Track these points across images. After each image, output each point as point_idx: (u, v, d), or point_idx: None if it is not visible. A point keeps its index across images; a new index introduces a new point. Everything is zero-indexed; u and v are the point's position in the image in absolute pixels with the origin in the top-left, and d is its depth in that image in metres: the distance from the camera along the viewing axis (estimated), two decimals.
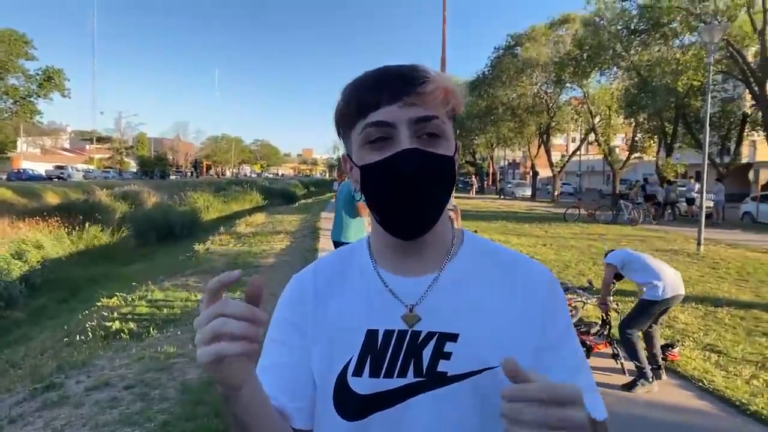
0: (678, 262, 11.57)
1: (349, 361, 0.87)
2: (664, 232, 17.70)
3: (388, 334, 0.86)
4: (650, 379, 4.48)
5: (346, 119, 0.88)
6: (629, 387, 4.49)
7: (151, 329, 6.81)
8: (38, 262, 16.10)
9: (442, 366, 0.84)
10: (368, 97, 0.84)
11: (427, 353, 0.85)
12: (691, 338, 6.07)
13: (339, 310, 0.91)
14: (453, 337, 0.85)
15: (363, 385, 0.86)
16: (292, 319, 0.94)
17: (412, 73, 0.83)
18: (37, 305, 13.27)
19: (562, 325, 0.91)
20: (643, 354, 4.58)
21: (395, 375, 0.85)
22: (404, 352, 0.85)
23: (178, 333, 6.56)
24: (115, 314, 7.80)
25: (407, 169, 0.81)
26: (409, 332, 0.86)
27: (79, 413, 4.39)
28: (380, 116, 0.82)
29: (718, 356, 5.48)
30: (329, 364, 0.88)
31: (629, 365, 4.72)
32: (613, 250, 5.17)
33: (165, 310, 7.94)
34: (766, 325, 6.63)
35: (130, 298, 8.77)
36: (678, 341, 5.84)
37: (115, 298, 8.88)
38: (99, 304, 8.75)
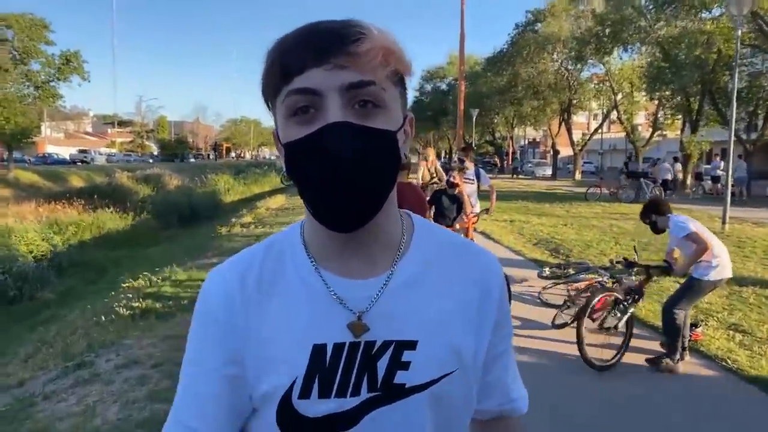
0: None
1: (294, 382, 0.73)
2: (689, 211, 17.43)
3: (338, 347, 0.74)
4: (677, 360, 4.46)
5: (270, 86, 0.73)
6: (654, 362, 4.47)
7: (177, 310, 6.95)
8: (65, 244, 16.44)
9: (400, 377, 0.74)
10: (291, 58, 0.69)
11: (382, 365, 0.74)
12: (715, 318, 6.02)
13: (276, 321, 0.75)
14: (411, 345, 0.75)
15: (313, 408, 0.73)
16: (214, 335, 0.76)
17: (344, 29, 0.69)
18: (66, 287, 13.60)
19: (508, 318, 0.90)
20: (682, 338, 4.54)
21: (348, 394, 0.73)
22: (357, 366, 0.74)
23: None
24: (142, 295, 7.97)
25: (335, 147, 0.67)
26: (361, 343, 0.74)
27: (110, 390, 4.52)
28: (304, 82, 0.68)
29: (743, 336, 5.43)
30: (270, 387, 0.73)
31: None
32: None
33: (189, 290, 8.08)
34: None
35: (155, 280, 8.93)
36: (702, 321, 5.80)
37: (141, 279, 9.05)
38: (125, 285, 8.93)
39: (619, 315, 4.55)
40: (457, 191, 6.12)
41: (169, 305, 7.30)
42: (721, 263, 4.53)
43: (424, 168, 8.44)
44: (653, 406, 3.92)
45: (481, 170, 8.08)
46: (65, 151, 52.30)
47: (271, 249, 0.81)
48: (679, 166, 22.35)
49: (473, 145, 39.68)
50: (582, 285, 5.90)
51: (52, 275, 13.88)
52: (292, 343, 0.74)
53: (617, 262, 5.32)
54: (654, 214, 4.86)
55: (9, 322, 10.66)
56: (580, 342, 4.35)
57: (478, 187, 7.67)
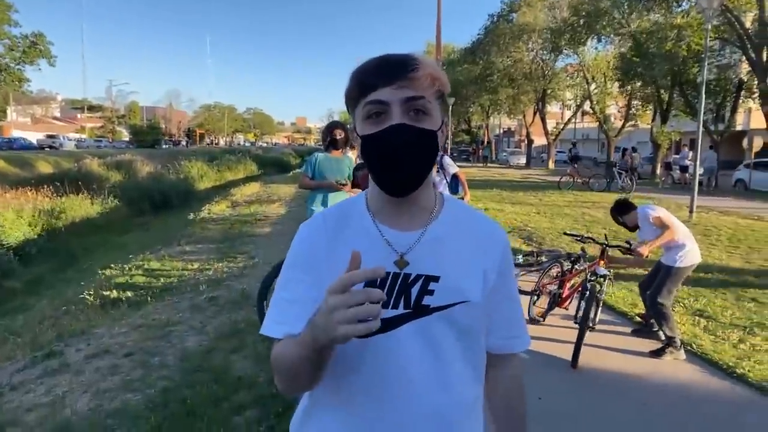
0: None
1: None
2: (658, 200, 17.79)
3: (386, 275, 1.05)
4: (679, 346, 4.57)
5: (352, 98, 1.07)
6: (657, 353, 4.57)
7: (149, 298, 6.87)
8: (32, 231, 16.06)
9: (426, 300, 1.06)
10: (369, 79, 1.03)
11: (414, 290, 1.06)
12: (681, 304, 6.18)
13: (344, 254, 0.97)
14: (435, 279, 1.07)
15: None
16: (310, 260, 1.11)
17: (406, 60, 1.03)
18: (34, 275, 13.30)
19: (511, 271, 1.21)
20: (675, 323, 4.65)
21: (390, 307, 1.05)
22: (397, 289, 1.06)
23: (176, 301, 6.62)
24: (113, 283, 7.85)
25: (397, 140, 1.01)
26: (402, 274, 1.07)
27: (80, 380, 4.46)
28: (378, 96, 1.02)
29: (707, 321, 5.60)
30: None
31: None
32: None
33: (162, 279, 7.99)
34: (755, 291, 6.74)
35: (127, 268, 8.81)
36: None
37: (112, 267, 8.91)
38: (99, 273, 8.79)
39: (590, 304, 4.54)
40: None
41: (141, 293, 7.21)
42: (691, 249, 4.66)
43: None
44: (622, 388, 4.02)
45: (446, 158, 7.84)
46: (32, 136, 50.91)
47: (344, 207, 1.18)
48: (690, 154, 22.83)
49: (449, 133, 39.77)
50: (551, 273, 5.92)
51: (16, 264, 13.55)
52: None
53: (570, 235, 5.41)
54: (620, 216, 4.99)
55: None
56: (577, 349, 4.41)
57: (446, 175, 7.62)
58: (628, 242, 4.83)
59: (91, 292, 7.43)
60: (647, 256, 4.82)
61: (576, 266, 5.43)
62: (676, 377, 4.24)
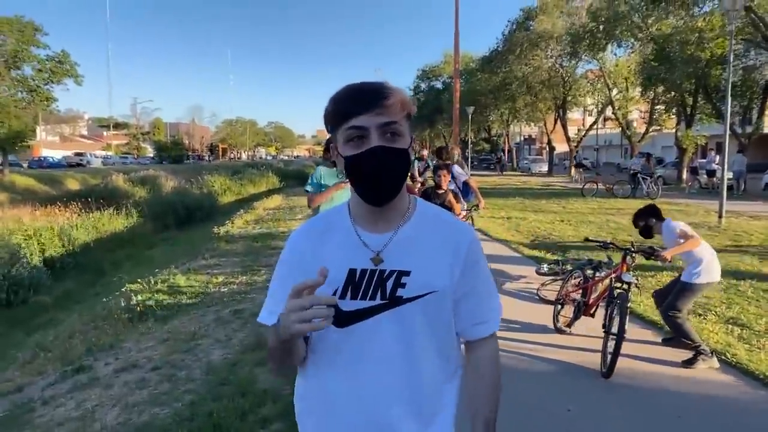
0: (700, 235, 11.43)
1: (337, 289, 1.25)
2: (685, 205, 17.47)
3: (364, 271, 1.25)
4: (710, 354, 4.47)
5: (335, 121, 1.23)
6: (690, 363, 4.46)
7: (175, 311, 6.94)
8: (62, 246, 16.38)
9: (400, 292, 1.25)
10: (349, 107, 1.20)
11: (389, 284, 1.25)
12: (713, 312, 6.03)
13: (329, 254, 1.27)
14: (407, 273, 1.25)
15: (347, 305, 1.25)
16: (299, 260, 1.31)
17: (380, 89, 1.21)
18: (63, 289, 13.55)
19: (478, 265, 1.35)
20: (694, 332, 4.56)
21: (368, 298, 1.25)
22: (374, 283, 1.25)
23: (201, 315, 6.67)
24: (140, 298, 7.95)
25: (377, 160, 1.19)
26: (378, 270, 1.25)
27: (109, 394, 4.51)
28: (357, 122, 1.19)
29: (741, 329, 5.45)
30: (324, 291, 1.15)
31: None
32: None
33: (187, 292, 8.07)
34: None
35: (153, 282, 8.92)
36: (700, 315, 5.83)
37: (139, 282, 9.03)
38: (124, 289, 8.91)
39: (617, 311, 4.44)
40: (444, 194, 6.13)
41: (167, 307, 7.29)
42: (710, 265, 4.57)
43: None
44: (654, 399, 3.92)
45: (456, 167, 8.20)
46: (61, 155, 52.11)
47: (329, 214, 1.38)
48: (718, 158, 22.41)
49: (469, 142, 39.65)
50: (574, 282, 5.80)
51: (46, 278, 13.80)
52: (337, 267, 1.24)
53: (592, 241, 5.29)
54: (653, 218, 4.87)
55: (6, 327, 10.62)
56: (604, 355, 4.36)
57: (458, 183, 7.96)
58: (651, 247, 4.72)
59: (119, 307, 7.54)
60: (671, 261, 4.73)
61: (598, 273, 5.33)
62: (711, 388, 4.13)
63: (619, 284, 4.60)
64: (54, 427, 4.01)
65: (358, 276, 1.25)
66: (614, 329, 4.34)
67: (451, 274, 1.28)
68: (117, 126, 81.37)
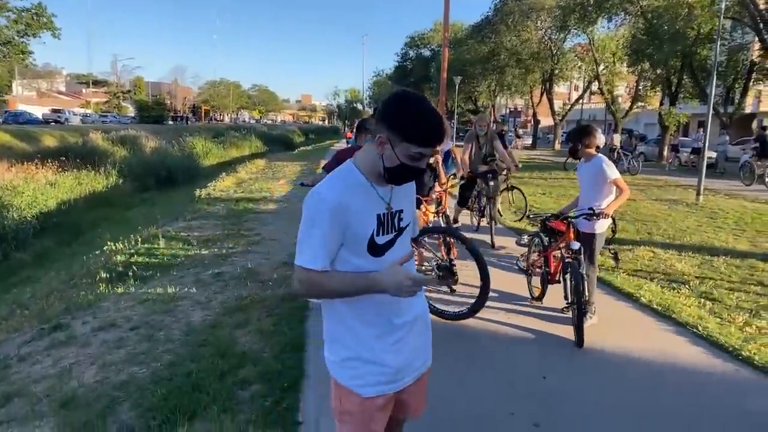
0: (677, 211, 11.62)
1: (374, 230, 1.77)
2: (665, 182, 17.69)
3: (383, 215, 1.80)
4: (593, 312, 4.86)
5: (408, 134, 1.65)
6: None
7: (155, 272, 6.89)
8: (40, 205, 16.10)
9: (400, 224, 1.87)
10: (429, 138, 1.67)
11: (396, 221, 1.84)
12: (687, 286, 6.16)
13: (361, 206, 1.74)
14: (402, 212, 1.87)
15: (380, 239, 1.79)
16: (340, 214, 1.70)
17: (443, 136, 1.69)
18: (41, 248, 13.37)
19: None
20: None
21: (389, 232, 1.82)
22: (391, 222, 1.82)
23: (181, 277, 6.64)
24: (119, 257, 7.88)
25: (417, 173, 1.76)
26: (390, 213, 1.82)
27: (87, 352, 4.49)
28: (425, 152, 1.69)
29: (713, 303, 5.58)
30: (362, 231, 1.74)
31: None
32: None
33: (167, 254, 8.01)
34: (761, 274, 6.71)
35: (133, 242, 8.83)
36: (673, 289, 5.98)
37: (118, 242, 8.94)
38: (105, 248, 8.81)
39: (578, 280, 4.48)
40: (433, 161, 6.11)
41: (147, 268, 7.23)
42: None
43: None
44: (625, 371, 4.02)
45: None
46: (38, 111, 50.70)
47: (343, 174, 1.79)
48: (618, 137, 23.53)
49: (456, 112, 39.47)
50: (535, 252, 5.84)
51: (30, 234, 13.64)
52: (369, 214, 1.77)
53: (533, 218, 5.34)
54: (588, 139, 4.82)
55: None
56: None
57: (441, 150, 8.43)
58: (591, 208, 4.73)
59: (98, 266, 7.46)
60: (609, 216, 4.83)
61: (552, 242, 5.35)
62: (682, 359, 4.24)
63: (569, 253, 4.66)
64: (30, 383, 3.99)
65: (383, 219, 1.79)
66: (580, 297, 4.44)
67: (413, 211, 1.98)
68: (96, 83, 79.41)
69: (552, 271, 5.15)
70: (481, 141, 8.30)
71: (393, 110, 1.67)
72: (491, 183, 8.12)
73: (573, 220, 4.80)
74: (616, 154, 21.02)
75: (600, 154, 4.86)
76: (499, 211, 8.86)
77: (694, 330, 4.77)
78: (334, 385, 1.89)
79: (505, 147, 10.01)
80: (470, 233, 8.16)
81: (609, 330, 4.76)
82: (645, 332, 4.79)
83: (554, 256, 5.16)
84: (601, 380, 3.87)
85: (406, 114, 1.65)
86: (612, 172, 4.69)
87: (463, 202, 8.65)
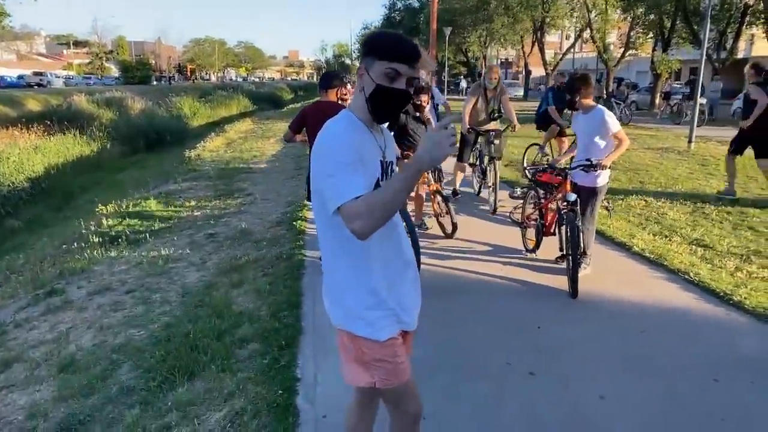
0: (668, 159, 11.62)
1: (379, 176, 1.77)
2: (656, 130, 17.62)
3: (382, 162, 1.81)
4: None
5: (379, 53, 1.66)
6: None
7: (147, 235, 6.86)
8: (27, 170, 15.90)
9: (392, 168, 1.88)
10: (405, 55, 1.65)
11: (390, 172, 1.84)
12: (678, 233, 6.20)
13: (368, 150, 1.75)
14: (392, 164, 1.88)
15: (383, 181, 1.78)
16: (358, 150, 1.67)
17: (421, 54, 1.67)
18: (32, 214, 13.27)
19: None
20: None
21: (388, 176, 1.82)
22: (388, 172, 1.83)
23: (174, 239, 6.61)
24: (111, 221, 7.83)
25: (400, 98, 1.70)
26: (386, 161, 1.83)
27: (83, 317, 4.50)
28: (400, 68, 1.65)
29: (705, 250, 5.62)
30: (372, 173, 1.73)
31: None
32: None
33: (159, 216, 7.97)
34: (752, 220, 6.76)
35: (124, 206, 8.76)
36: (666, 236, 6.02)
37: (110, 205, 8.87)
38: (96, 211, 8.74)
39: (574, 232, 4.45)
40: (423, 116, 6.04)
41: (140, 231, 7.20)
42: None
43: None
44: (617, 317, 4.07)
45: (435, 89, 8.60)
46: (18, 74, 49.57)
47: (349, 124, 1.75)
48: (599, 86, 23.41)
49: (446, 64, 38.87)
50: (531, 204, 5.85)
51: (20, 202, 13.52)
52: (374, 158, 1.77)
53: (531, 170, 5.34)
54: (586, 89, 4.72)
55: None
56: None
57: (435, 106, 8.39)
58: (589, 160, 4.68)
59: (90, 230, 7.42)
60: (608, 167, 4.74)
61: (547, 194, 5.34)
62: (674, 305, 4.30)
63: (565, 204, 4.66)
64: (28, 349, 4.00)
65: (384, 166, 1.80)
66: (576, 248, 4.46)
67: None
68: (77, 44, 77.50)
69: (547, 223, 5.16)
70: (489, 95, 7.56)
71: (368, 40, 1.73)
72: (495, 142, 7.46)
73: (570, 172, 4.75)
74: (609, 103, 20.86)
75: (600, 105, 4.76)
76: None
77: (686, 276, 4.83)
78: (349, 339, 1.84)
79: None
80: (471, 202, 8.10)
81: (602, 279, 4.80)
82: (638, 280, 4.83)
83: (550, 208, 5.15)
84: (594, 329, 3.93)
85: (378, 36, 1.72)
86: (614, 124, 4.60)
87: (460, 158, 7.93)
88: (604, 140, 4.66)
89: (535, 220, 5.40)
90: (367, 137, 1.75)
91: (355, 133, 1.71)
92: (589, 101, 4.75)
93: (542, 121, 9.89)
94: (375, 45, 1.68)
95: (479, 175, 8.14)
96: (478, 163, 8.10)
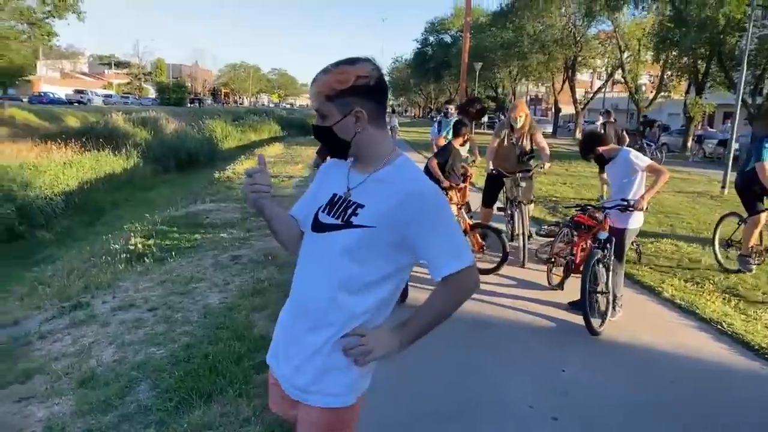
0: (701, 204, 11.40)
1: (321, 206, 1.65)
2: (688, 174, 17.37)
3: (338, 197, 1.61)
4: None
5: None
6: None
7: (173, 254, 6.93)
8: (62, 184, 16.31)
9: (353, 219, 1.54)
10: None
11: (349, 211, 1.56)
12: (710, 281, 6.03)
13: (332, 180, 1.68)
14: (362, 206, 1.55)
15: (324, 218, 1.61)
16: (318, 180, 1.77)
17: (313, 82, 1.58)
18: (64, 227, 13.56)
19: (429, 220, 1.51)
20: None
21: (336, 218, 1.58)
22: (341, 207, 1.59)
23: (199, 259, 6.66)
24: (139, 238, 7.93)
25: (317, 134, 1.63)
26: (345, 199, 1.59)
27: (106, 332, 4.53)
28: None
29: (738, 300, 5.45)
30: (319, 201, 1.66)
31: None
32: None
33: (186, 235, 8.05)
34: None
35: (152, 223, 8.89)
36: (697, 284, 5.86)
37: (139, 222, 9.01)
38: (125, 228, 8.89)
39: (596, 269, 4.46)
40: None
41: (166, 249, 7.27)
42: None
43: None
44: (649, 369, 3.94)
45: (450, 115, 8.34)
46: (61, 91, 51.23)
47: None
48: (656, 128, 23.07)
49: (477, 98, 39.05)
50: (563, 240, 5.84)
51: (53, 214, 13.84)
52: (329, 190, 1.65)
53: (569, 207, 5.26)
54: (598, 143, 4.82)
55: (5, 260, 10.66)
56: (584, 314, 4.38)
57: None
58: (624, 200, 4.64)
59: (118, 246, 7.53)
60: (647, 209, 4.71)
61: (580, 232, 5.32)
62: (706, 356, 4.15)
63: (597, 243, 4.60)
64: (50, 361, 4.03)
65: (335, 199, 1.61)
66: (600, 287, 4.44)
67: (393, 218, 1.50)
68: (118, 65, 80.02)
69: (577, 261, 5.09)
70: (516, 135, 6.71)
71: None
72: (522, 185, 6.58)
73: (608, 210, 4.69)
74: (640, 145, 20.68)
75: (624, 147, 4.80)
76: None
77: (719, 326, 4.67)
78: (345, 415, 1.60)
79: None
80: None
81: (630, 324, 4.67)
82: (667, 327, 4.69)
83: (582, 247, 5.11)
84: (621, 375, 3.80)
85: None
86: (642, 160, 4.60)
87: (486, 202, 7.02)
88: (636, 179, 4.62)
89: (565, 257, 5.34)
90: (340, 171, 1.66)
91: (330, 166, 1.74)
92: (610, 148, 4.81)
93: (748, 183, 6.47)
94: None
95: (509, 220, 6.96)
96: (507, 206, 7.03)
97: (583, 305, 4.40)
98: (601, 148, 4.81)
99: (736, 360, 4.11)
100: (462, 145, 6.43)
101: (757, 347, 4.25)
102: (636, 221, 4.68)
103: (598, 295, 4.49)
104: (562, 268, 5.41)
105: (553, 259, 5.56)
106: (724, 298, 5.45)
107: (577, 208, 5.24)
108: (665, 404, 3.42)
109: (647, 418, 3.26)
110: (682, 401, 3.46)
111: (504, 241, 5.82)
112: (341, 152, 1.61)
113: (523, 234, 6.33)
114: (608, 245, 4.58)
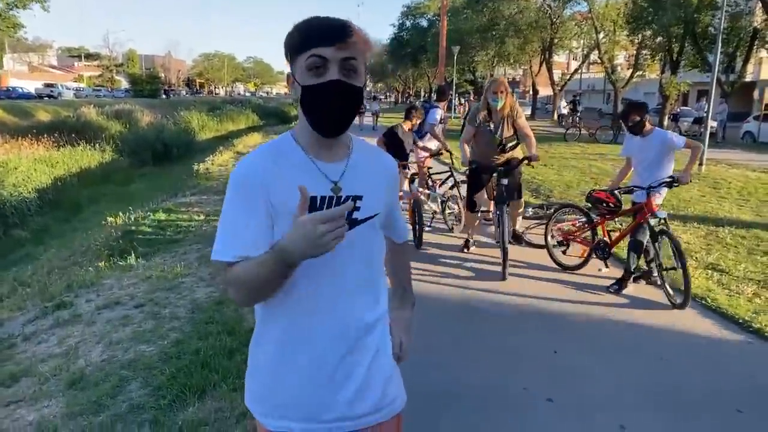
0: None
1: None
2: None
3: (323, 198, 1.28)
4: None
5: (297, 48, 1.24)
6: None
7: (157, 249, 6.83)
8: (35, 181, 15.97)
9: (355, 214, 1.28)
10: (314, 37, 1.21)
11: (346, 202, 1.28)
12: (693, 257, 6.12)
13: (290, 179, 1.25)
14: (360, 198, 1.32)
15: None
16: (260, 185, 1.26)
17: (345, 25, 1.23)
18: (40, 224, 13.29)
19: (397, 189, 1.53)
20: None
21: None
22: (338, 204, 1.29)
23: (183, 253, 6.58)
24: (119, 234, 7.81)
25: (334, 93, 1.22)
26: (335, 197, 1.30)
27: (92, 331, 4.45)
28: (320, 52, 1.20)
29: (721, 275, 5.54)
30: (281, 227, 1.24)
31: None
32: None
33: (168, 230, 7.94)
34: (767, 245, 6.68)
35: (133, 218, 8.75)
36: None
37: (118, 217, 8.86)
38: (104, 223, 8.74)
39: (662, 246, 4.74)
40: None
41: (149, 244, 7.17)
42: None
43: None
44: (635, 345, 4.00)
45: (430, 109, 8.42)
46: (30, 85, 50.07)
47: (274, 145, 1.36)
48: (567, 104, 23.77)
49: (454, 83, 39.08)
50: (565, 225, 5.97)
51: (28, 212, 13.57)
52: (292, 203, 1.17)
53: (618, 189, 5.30)
54: (648, 114, 5.11)
55: None
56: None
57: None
58: (671, 176, 4.87)
59: (98, 242, 7.40)
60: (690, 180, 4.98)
61: (595, 215, 5.53)
62: (693, 332, 4.22)
63: (654, 221, 4.73)
64: (37, 363, 3.95)
65: (319, 203, 1.28)
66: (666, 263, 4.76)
67: (386, 197, 1.44)
68: (88, 57, 78.41)
69: (613, 241, 5.35)
70: (494, 117, 5.73)
71: (285, 39, 1.30)
72: (504, 181, 5.55)
73: (654, 189, 4.85)
74: (618, 124, 20.89)
75: (656, 127, 5.12)
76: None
77: (703, 302, 4.75)
78: None
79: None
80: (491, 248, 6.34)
81: (619, 303, 4.73)
82: (655, 303, 4.76)
83: (608, 227, 5.46)
84: (612, 354, 3.85)
85: (292, 29, 1.28)
86: (680, 138, 4.94)
87: (469, 205, 6.13)
88: (672, 156, 4.94)
89: (581, 238, 5.61)
90: (295, 170, 1.28)
91: (266, 167, 1.29)
92: (649, 125, 5.04)
93: None
94: (290, 39, 1.26)
95: (497, 226, 5.78)
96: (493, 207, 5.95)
97: (662, 282, 4.76)
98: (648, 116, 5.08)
99: (723, 334, 4.18)
100: (410, 129, 6.82)
101: (741, 321, 4.34)
102: (663, 197, 5.08)
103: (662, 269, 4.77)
104: (580, 248, 5.64)
105: (565, 241, 5.74)
106: (707, 275, 5.54)
107: (604, 190, 5.40)
108: (656, 381, 3.46)
109: (640, 396, 3.30)
110: (672, 377, 3.51)
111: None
112: (343, 126, 1.30)
113: (503, 241, 5.32)
114: (665, 222, 4.78)
